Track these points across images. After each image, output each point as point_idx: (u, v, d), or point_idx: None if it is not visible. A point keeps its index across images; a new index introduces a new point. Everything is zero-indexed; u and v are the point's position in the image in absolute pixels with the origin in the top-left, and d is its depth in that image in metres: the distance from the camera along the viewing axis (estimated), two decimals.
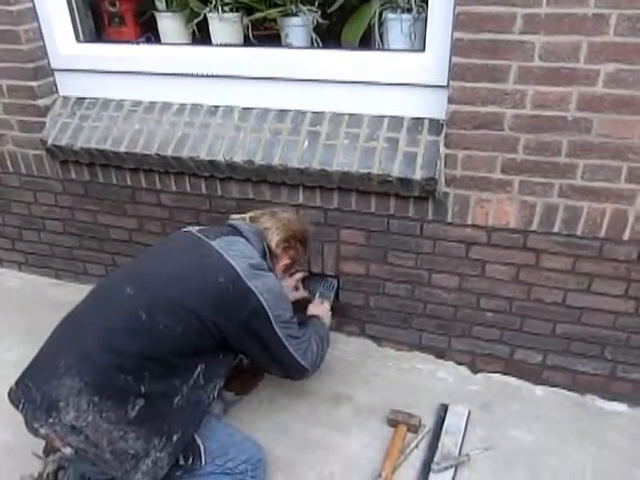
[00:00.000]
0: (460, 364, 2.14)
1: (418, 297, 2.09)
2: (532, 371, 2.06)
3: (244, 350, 1.64)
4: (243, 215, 1.79)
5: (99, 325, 1.44)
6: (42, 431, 1.37)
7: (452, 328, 2.10)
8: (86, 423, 1.33)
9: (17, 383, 1.44)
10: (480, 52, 1.62)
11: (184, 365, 1.48)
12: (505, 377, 2.09)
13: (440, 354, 2.17)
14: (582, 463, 1.74)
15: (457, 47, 1.64)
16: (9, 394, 1.44)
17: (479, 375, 2.11)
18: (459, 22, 1.61)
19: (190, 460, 1.51)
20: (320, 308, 1.98)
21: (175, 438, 1.44)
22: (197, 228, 1.70)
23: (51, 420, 1.34)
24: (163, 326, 1.43)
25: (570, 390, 2.03)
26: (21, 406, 1.40)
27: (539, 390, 2.03)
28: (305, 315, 1.92)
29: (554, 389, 2.03)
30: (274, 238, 1.73)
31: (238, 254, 1.56)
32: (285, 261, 1.78)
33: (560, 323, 1.95)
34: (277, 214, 1.81)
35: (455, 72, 1.67)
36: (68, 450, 1.37)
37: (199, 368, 1.50)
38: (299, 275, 2.03)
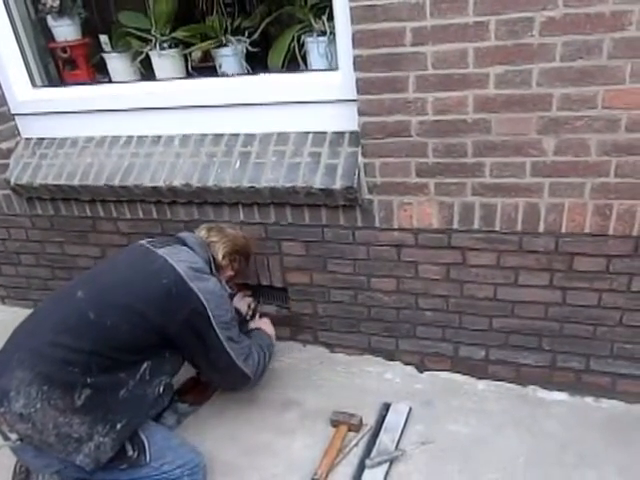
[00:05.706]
0: (408, 364, 2.20)
1: (361, 302, 2.17)
2: (478, 367, 2.11)
3: (186, 351, 1.75)
4: (197, 231, 1.97)
5: (51, 324, 1.61)
6: None
7: (397, 330, 2.17)
8: (35, 409, 1.48)
9: None
10: (379, 66, 1.73)
11: (130, 361, 1.63)
12: (453, 375, 2.14)
13: (390, 356, 2.23)
14: (516, 451, 1.78)
15: (358, 63, 1.75)
16: None
17: (425, 374, 2.16)
18: (356, 40, 1.72)
19: (136, 453, 1.62)
20: (259, 322, 2.12)
21: (119, 426, 1.57)
22: (146, 240, 1.87)
23: (2, 409, 1.49)
24: (109, 324, 1.58)
25: (515, 383, 2.07)
26: None
27: (482, 384, 2.07)
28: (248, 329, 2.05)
29: (497, 383, 2.07)
30: (220, 251, 1.91)
31: (182, 259, 1.72)
32: (229, 273, 1.96)
33: (495, 317, 2.01)
34: (224, 230, 1.99)
35: (360, 86, 1.78)
36: (14, 436, 1.51)
37: (145, 364, 1.65)
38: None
